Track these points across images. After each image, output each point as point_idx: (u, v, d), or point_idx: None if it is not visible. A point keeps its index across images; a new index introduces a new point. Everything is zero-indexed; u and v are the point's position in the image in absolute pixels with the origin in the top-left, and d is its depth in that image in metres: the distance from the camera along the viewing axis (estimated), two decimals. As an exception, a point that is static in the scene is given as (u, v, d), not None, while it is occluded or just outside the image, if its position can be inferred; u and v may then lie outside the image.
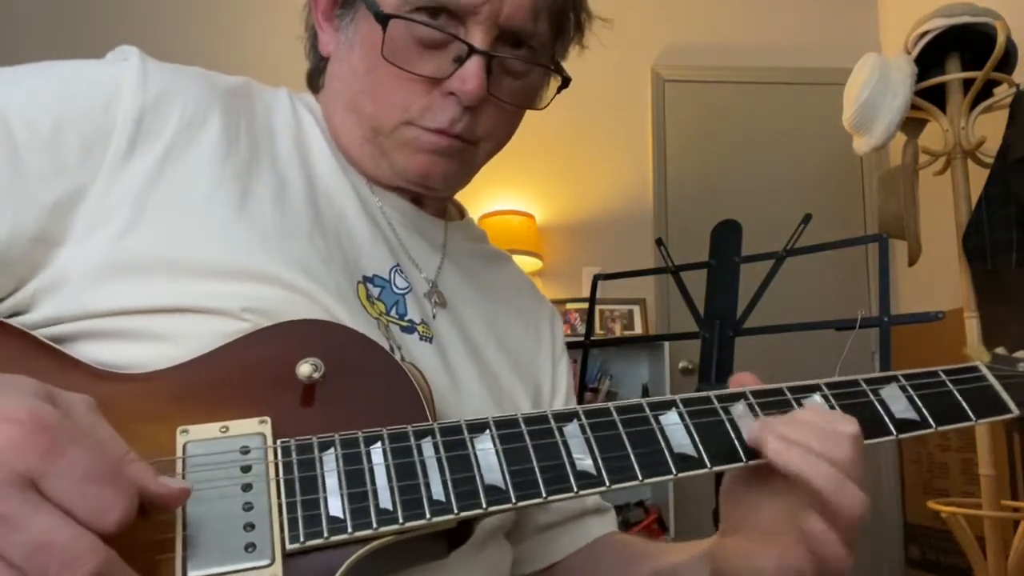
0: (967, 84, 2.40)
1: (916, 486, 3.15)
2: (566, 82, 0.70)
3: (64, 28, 3.24)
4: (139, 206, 0.54)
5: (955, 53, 2.43)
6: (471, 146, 0.67)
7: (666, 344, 2.96)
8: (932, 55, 2.43)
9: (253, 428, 0.46)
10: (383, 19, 0.61)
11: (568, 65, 0.73)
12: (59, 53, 0.62)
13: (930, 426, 0.58)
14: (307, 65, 0.76)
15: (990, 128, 2.38)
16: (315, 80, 0.74)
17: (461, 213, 0.84)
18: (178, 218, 0.55)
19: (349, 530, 0.44)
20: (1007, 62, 2.36)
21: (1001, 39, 2.27)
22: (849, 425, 0.52)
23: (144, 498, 0.37)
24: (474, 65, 0.61)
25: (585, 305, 2.34)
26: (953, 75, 2.41)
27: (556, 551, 0.75)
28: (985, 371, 0.65)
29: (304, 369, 0.48)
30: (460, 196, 0.79)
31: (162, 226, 0.54)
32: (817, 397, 0.57)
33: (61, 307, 0.52)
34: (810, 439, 0.51)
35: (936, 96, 2.46)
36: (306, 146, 0.67)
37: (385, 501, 0.45)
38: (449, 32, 0.62)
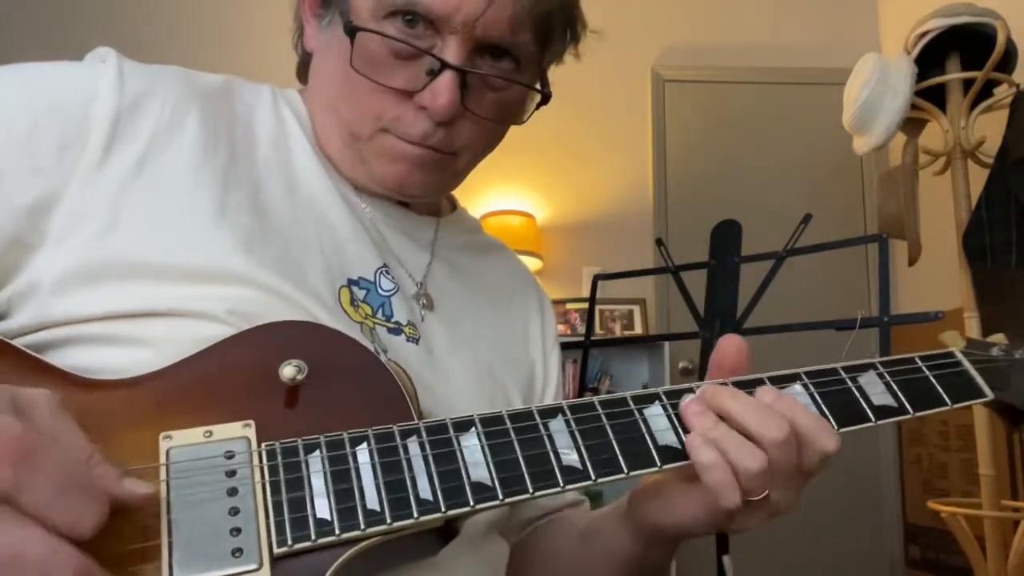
0: (967, 84, 2.38)
1: (916, 486, 3.14)
2: (545, 99, 0.67)
3: (57, 28, 3.23)
4: (115, 209, 0.53)
5: (955, 53, 2.42)
6: (449, 156, 0.65)
7: (666, 344, 2.95)
8: (932, 55, 2.42)
9: (237, 432, 0.46)
10: (350, 32, 0.59)
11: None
12: (49, 55, 0.62)
13: (907, 412, 0.59)
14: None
15: (990, 128, 2.37)
16: (303, 73, 0.73)
17: (453, 205, 0.82)
18: (155, 222, 0.54)
19: (337, 532, 0.43)
20: (1007, 62, 2.35)
21: (1001, 39, 2.26)
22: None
23: (112, 502, 0.37)
24: (446, 80, 0.59)
25: (585, 305, 2.34)
26: (953, 75, 2.40)
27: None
28: (960, 356, 0.66)
29: (287, 371, 0.48)
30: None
31: (138, 230, 0.53)
32: (797, 386, 0.58)
33: (37, 313, 0.51)
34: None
35: (936, 96, 2.45)
36: (288, 148, 0.66)
37: (372, 502, 0.45)
38: (420, 47, 0.59)
